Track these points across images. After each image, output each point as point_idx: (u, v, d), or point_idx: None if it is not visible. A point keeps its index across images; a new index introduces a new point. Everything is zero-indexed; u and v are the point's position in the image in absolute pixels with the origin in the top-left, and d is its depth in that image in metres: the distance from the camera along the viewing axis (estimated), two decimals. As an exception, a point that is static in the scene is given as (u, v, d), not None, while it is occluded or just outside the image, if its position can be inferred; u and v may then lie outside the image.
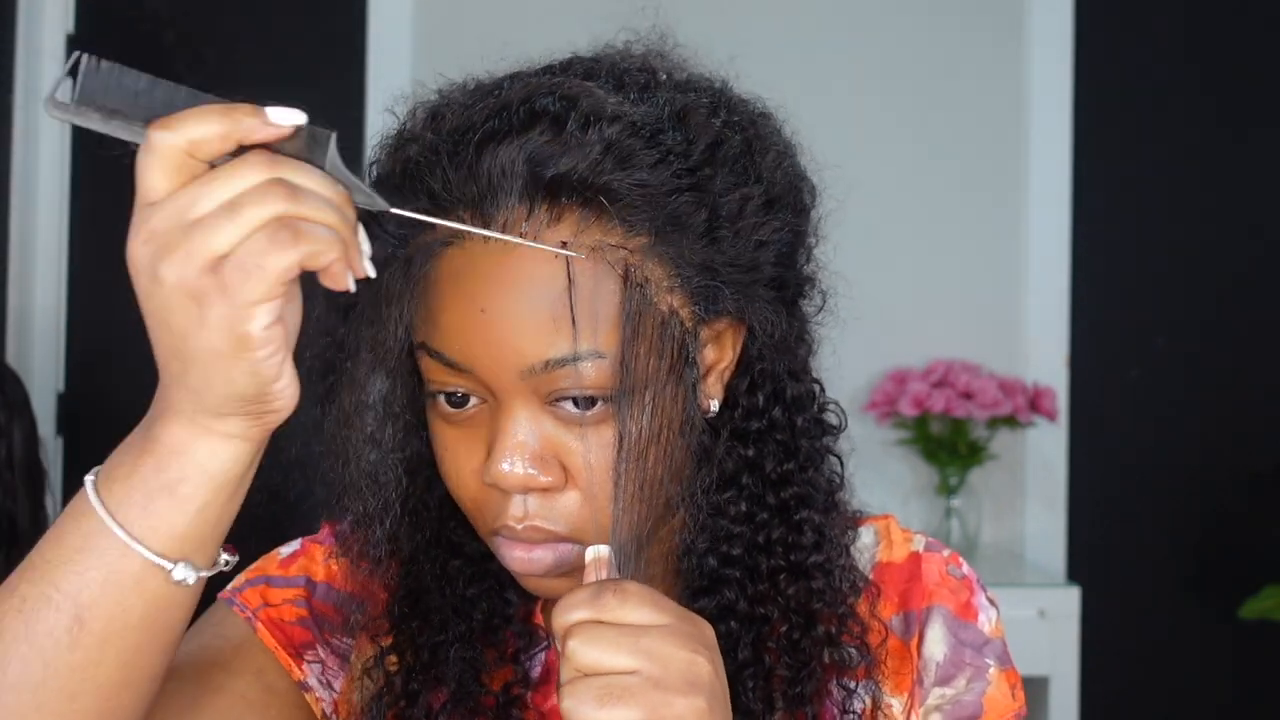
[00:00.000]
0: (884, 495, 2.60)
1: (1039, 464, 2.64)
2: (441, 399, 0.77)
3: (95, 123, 0.59)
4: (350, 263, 0.62)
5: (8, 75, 2.46)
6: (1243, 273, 2.68)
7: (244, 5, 2.67)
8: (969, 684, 0.86)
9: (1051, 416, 2.52)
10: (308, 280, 0.64)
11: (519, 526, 0.76)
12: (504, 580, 0.85)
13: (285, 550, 0.91)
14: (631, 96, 0.76)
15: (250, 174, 0.59)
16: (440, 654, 0.83)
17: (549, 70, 0.80)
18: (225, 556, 0.68)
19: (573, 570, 0.77)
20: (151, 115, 0.59)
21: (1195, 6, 2.69)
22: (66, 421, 2.55)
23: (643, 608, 0.68)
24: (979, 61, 2.68)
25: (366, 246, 0.63)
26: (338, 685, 0.86)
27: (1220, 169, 2.68)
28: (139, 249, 0.59)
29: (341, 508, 0.82)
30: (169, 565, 0.64)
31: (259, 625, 0.85)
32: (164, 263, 0.59)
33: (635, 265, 0.73)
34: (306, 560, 0.90)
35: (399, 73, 2.49)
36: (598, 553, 0.74)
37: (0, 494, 1.81)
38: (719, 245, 0.76)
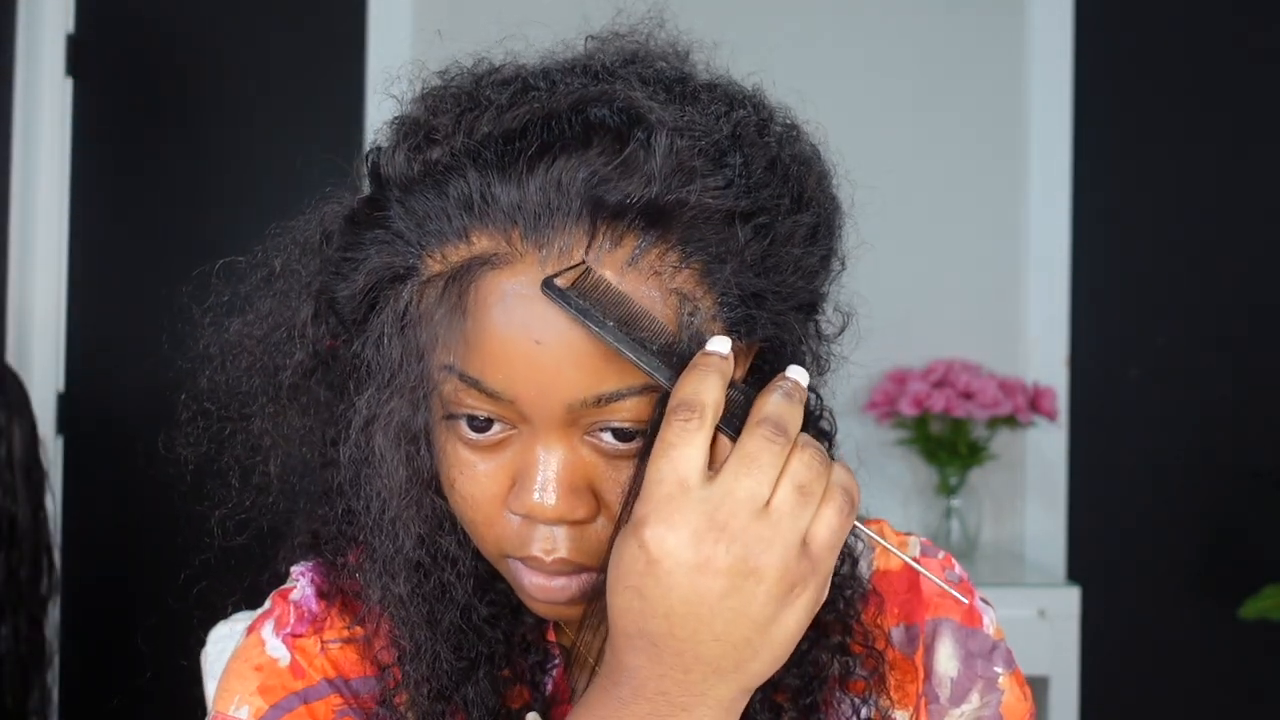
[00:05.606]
0: (884, 495, 2.60)
1: (1039, 464, 2.64)
2: (463, 423, 0.73)
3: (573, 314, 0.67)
4: None
5: (8, 75, 2.46)
6: (1243, 273, 2.68)
7: (243, 2, 2.67)
8: (983, 698, 0.86)
9: (1051, 416, 2.52)
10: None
11: (547, 559, 0.73)
12: (516, 603, 0.82)
13: (272, 654, 0.84)
14: (686, 109, 0.73)
15: (775, 446, 0.65)
16: (450, 686, 0.80)
17: (583, 70, 0.76)
18: None
19: (593, 597, 0.75)
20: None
21: (1195, 5, 2.69)
22: (66, 421, 2.54)
23: None
24: (979, 61, 2.68)
25: None
26: None
27: (1220, 169, 2.68)
28: (710, 546, 0.63)
29: (369, 542, 0.78)
30: None
31: None
32: (764, 555, 0.63)
33: (688, 293, 0.70)
34: (305, 659, 0.83)
35: (399, 61, 2.48)
36: None
37: (0, 494, 1.81)
38: (767, 275, 0.73)
